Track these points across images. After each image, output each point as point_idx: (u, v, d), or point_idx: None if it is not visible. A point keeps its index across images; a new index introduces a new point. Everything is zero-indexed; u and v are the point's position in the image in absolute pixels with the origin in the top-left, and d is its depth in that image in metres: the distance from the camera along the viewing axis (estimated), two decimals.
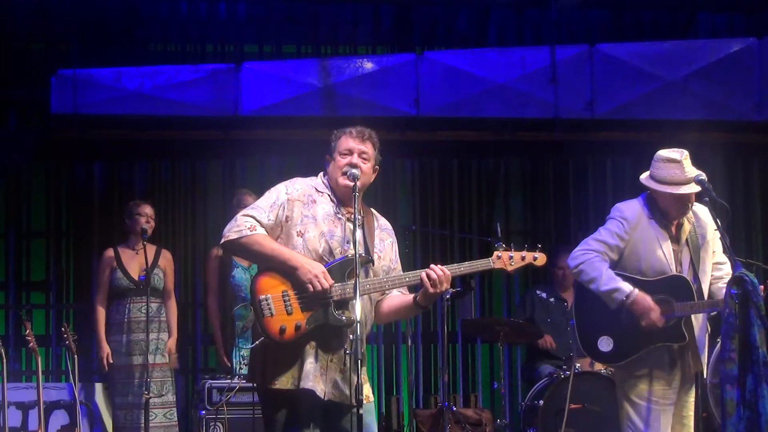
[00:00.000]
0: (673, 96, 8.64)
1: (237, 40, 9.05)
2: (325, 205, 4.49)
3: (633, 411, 5.17)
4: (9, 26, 8.57)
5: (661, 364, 5.19)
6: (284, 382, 4.34)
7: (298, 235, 4.42)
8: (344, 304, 4.37)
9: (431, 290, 4.35)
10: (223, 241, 4.46)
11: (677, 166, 5.19)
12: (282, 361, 4.36)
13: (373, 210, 4.67)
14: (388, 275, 4.53)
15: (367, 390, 4.39)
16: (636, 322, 5.16)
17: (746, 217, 9.51)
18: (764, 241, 9.52)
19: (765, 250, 9.38)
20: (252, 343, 4.45)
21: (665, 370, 5.19)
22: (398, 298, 4.56)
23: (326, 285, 4.31)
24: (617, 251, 5.26)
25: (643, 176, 5.33)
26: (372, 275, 4.48)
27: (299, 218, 4.44)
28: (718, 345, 5.74)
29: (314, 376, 4.32)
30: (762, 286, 4.89)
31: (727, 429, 4.74)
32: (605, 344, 5.24)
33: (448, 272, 4.37)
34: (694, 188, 5.14)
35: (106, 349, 7.20)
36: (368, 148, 4.53)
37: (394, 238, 4.68)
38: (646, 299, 5.12)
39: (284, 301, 4.35)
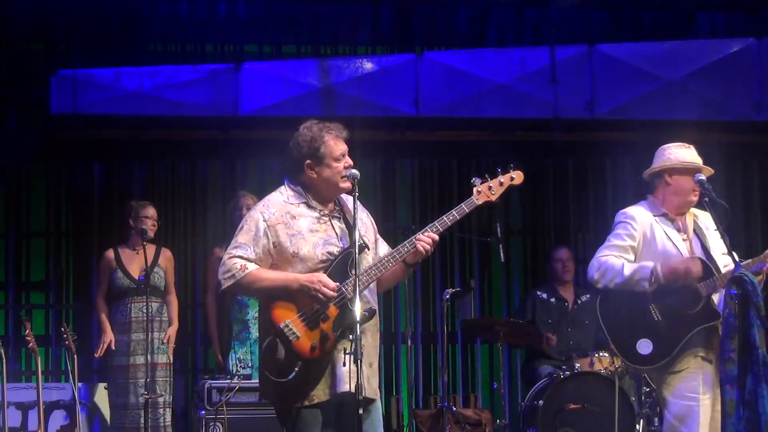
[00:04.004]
0: (673, 96, 8.65)
1: (237, 40, 9.05)
2: (305, 215, 4.45)
3: (673, 413, 5.11)
4: (9, 26, 8.57)
5: (694, 357, 5.13)
6: (319, 395, 4.32)
7: (293, 257, 4.38)
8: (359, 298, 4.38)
9: (424, 255, 4.43)
10: (221, 290, 4.43)
11: (690, 151, 5.30)
12: (313, 376, 4.32)
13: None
14: (378, 250, 4.57)
15: (376, 384, 4.45)
16: (667, 316, 5.13)
17: (746, 218, 9.51)
18: (764, 241, 9.51)
19: (764, 250, 9.36)
20: (282, 375, 4.31)
21: (699, 362, 5.13)
22: None
23: (331, 292, 4.30)
24: (632, 251, 5.25)
25: (655, 167, 5.34)
26: (368, 259, 4.49)
27: (287, 240, 4.39)
28: None
29: (350, 378, 4.28)
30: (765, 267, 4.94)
31: (727, 429, 4.74)
32: (644, 347, 5.18)
33: (436, 237, 4.43)
34: (709, 170, 5.25)
35: (110, 335, 7.21)
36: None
37: (367, 213, 4.65)
38: (673, 262, 5.10)
39: (303, 320, 4.32)
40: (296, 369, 4.28)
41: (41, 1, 8.52)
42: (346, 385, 4.26)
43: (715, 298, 5.20)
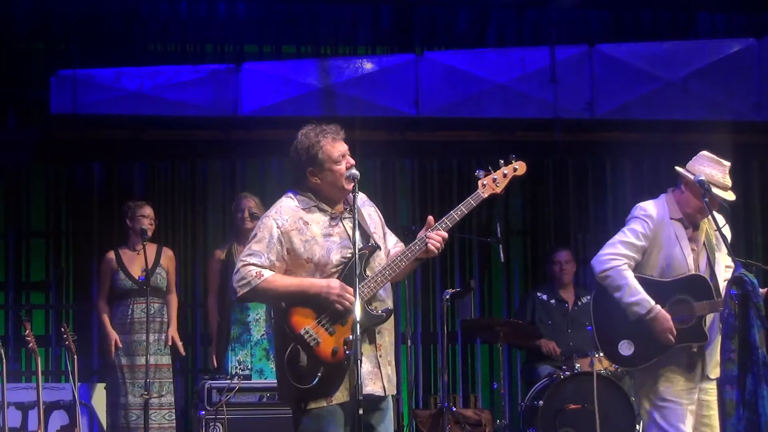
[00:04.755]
0: (673, 96, 8.65)
1: (237, 40, 9.04)
2: (318, 220, 4.46)
3: (656, 413, 5.15)
4: (9, 26, 8.56)
5: (679, 365, 5.17)
6: (339, 397, 4.33)
7: (307, 263, 4.40)
8: (374, 298, 4.40)
9: (436, 253, 4.44)
10: (236, 297, 4.43)
11: (722, 169, 5.22)
12: (334, 379, 4.33)
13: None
14: (387, 242, 4.58)
15: (395, 381, 4.48)
16: None
17: (746, 218, 9.50)
18: (764, 241, 9.52)
19: (764, 250, 9.38)
20: (305, 381, 4.33)
21: (683, 369, 5.17)
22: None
23: (352, 297, 4.28)
24: (642, 251, 5.25)
25: (683, 171, 5.28)
26: (380, 258, 4.49)
27: (301, 247, 4.40)
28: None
29: (370, 379, 4.32)
30: (765, 290, 4.92)
31: (727, 429, 4.74)
32: (626, 348, 5.23)
33: (444, 234, 4.45)
34: (731, 196, 5.18)
35: (114, 335, 7.23)
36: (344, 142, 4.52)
37: (374, 206, 4.65)
38: (667, 318, 5.11)
39: (323, 326, 4.34)
40: (319, 374, 4.30)
41: (41, 1, 8.51)
42: (368, 387, 4.28)
43: (708, 319, 5.19)
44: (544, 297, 8.08)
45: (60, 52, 8.67)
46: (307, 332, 4.31)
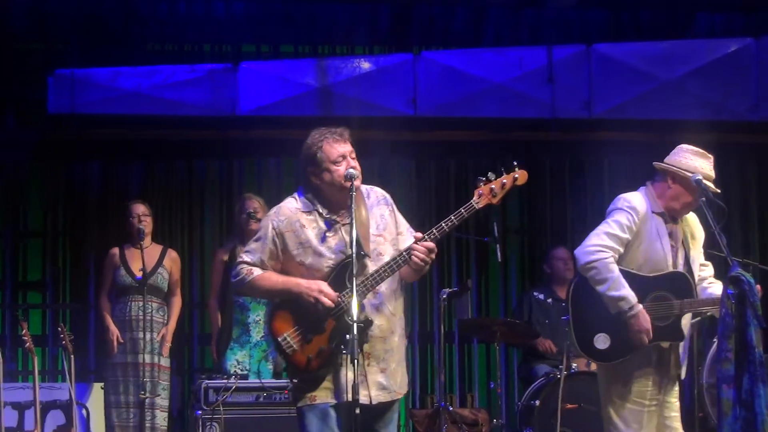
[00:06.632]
0: (670, 96, 8.65)
1: (234, 39, 9.06)
2: (314, 225, 4.45)
3: (617, 414, 5.12)
4: (7, 26, 8.57)
5: (648, 364, 5.13)
6: (321, 397, 4.35)
7: (300, 265, 4.42)
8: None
9: (423, 265, 4.36)
10: (234, 291, 4.61)
11: (709, 162, 5.20)
12: (313, 383, 4.36)
13: (361, 188, 4.56)
14: (400, 245, 4.50)
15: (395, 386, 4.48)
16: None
17: (742, 217, 9.51)
18: (761, 240, 9.53)
19: (761, 249, 9.39)
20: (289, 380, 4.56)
21: (652, 369, 5.13)
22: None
23: (329, 302, 4.30)
24: (625, 243, 5.17)
25: (664, 165, 5.23)
26: (371, 266, 4.40)
27: (295, 248, 4.43)
28: (715, 345, 5.74)
29: (350, 386, 4.24)
30: (758, 287, 4.90)
31: (724, 429, 4.74)
32: (602, 342, 5.16)
33: (431, 244, 4.35)
34: (716, 189, 5.13)
35: (115, 330, 7.23)
36: (350, 145, 4.49)
37: (391, 204, 4.61)
38: (647, 319, 5.06)
39: (300, 333, 4.36)
40: (295, 380, 4.42)
41: (39, 1, 8.51)
42: (349, 395, 4.24)
43: (685, 319, 5.16)
44: (541, 296, 8.07)
45: (57, 51, 8.68)
46: (284, 339, 4.37)
